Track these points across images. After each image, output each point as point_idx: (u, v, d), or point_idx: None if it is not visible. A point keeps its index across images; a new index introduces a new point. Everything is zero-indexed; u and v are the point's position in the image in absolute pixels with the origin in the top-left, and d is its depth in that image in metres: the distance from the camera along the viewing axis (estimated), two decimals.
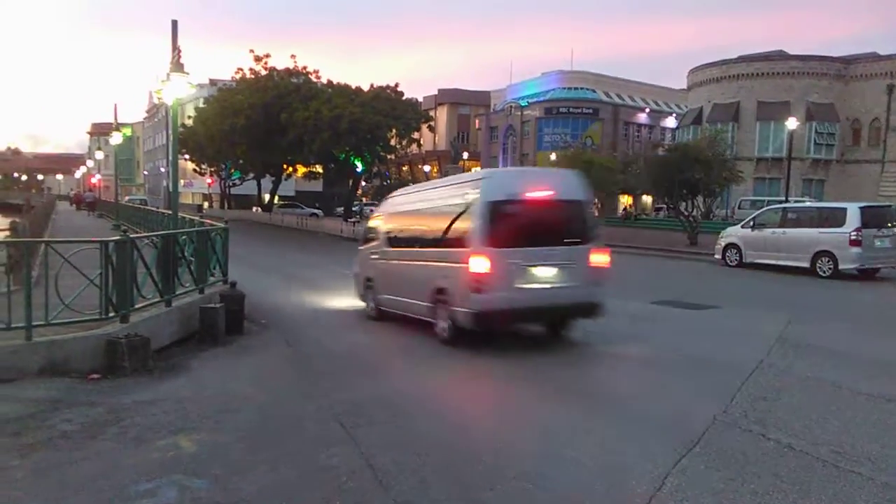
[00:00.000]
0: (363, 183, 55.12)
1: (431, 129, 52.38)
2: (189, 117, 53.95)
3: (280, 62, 46.88)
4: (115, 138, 34.25)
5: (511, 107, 70.70)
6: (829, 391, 6.71)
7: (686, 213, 28.84)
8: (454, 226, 9.10)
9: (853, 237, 16.34)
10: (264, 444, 5.34)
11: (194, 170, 61.12)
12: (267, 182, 55.46)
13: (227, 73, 52.01)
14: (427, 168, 72.94)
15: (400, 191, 12.88)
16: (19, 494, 4.29)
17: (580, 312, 9.06)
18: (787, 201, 28.66)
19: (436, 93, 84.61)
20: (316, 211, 51.48)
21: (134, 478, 4.55)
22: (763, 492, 4.34)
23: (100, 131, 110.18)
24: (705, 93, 54.63)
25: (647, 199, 60.13)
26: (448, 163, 75.91)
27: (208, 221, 14.71)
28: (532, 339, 9.44)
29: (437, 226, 9.66)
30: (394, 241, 11.08)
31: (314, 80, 46.38)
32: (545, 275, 8.65)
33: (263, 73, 46.07)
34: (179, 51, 11.99)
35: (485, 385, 7.52)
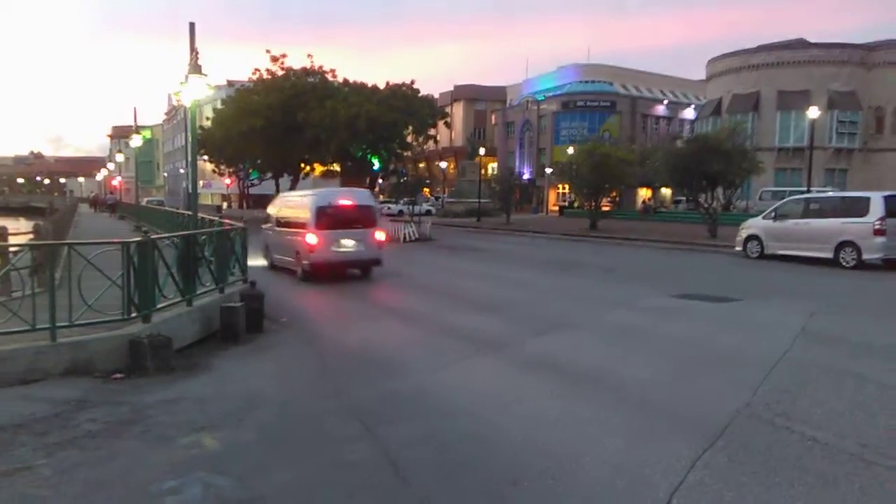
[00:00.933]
0: (380, 181, 55.16)
1: (448, 125, 52.41)
2: (207, 119, 54.38)
3: (296, 62, 47.12)
4: (135, 141, 34.69)
5: (527, 101, 70.46)
6: (854, 383, 6.61)
7: (706, 206, 28.53)
8: (301, 217, 15.83)
9: (877, 227, 16.08)
10: (286, 441, 5.37)
11: (213, 170, 61.68)
12: (285, 181, 55.77)
13: (244, 75, 52.35)
14: (444, 164, 72.91)
15: (282, 194, 23.01)
16: (46, 493, 4.35)
17: (369, 264, 16.21)
18: (809, 191, 28.26)
19: (451, 89, 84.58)
20: None
21: (158, 475, 4.61)
22: (787, 485, 4.29)
23: (120, 134, 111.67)
24: (725, 83, 53.98)
25: (667, 192, 59.56)
26: (465, 159, 75.82)
27: (227, 221, 14.82)
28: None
29: (295, 217, 16.44)
30: (278, 223, 17.69)
31: (330, 78, 46.53)
32: (348, 244, 15.44)
33: (280, 73, 46.29)
34: (197, 53, 12.07)
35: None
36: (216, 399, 6.55)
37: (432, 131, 48.19)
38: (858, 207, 16.91)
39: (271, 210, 18.94)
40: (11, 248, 9.90)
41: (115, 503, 4.21)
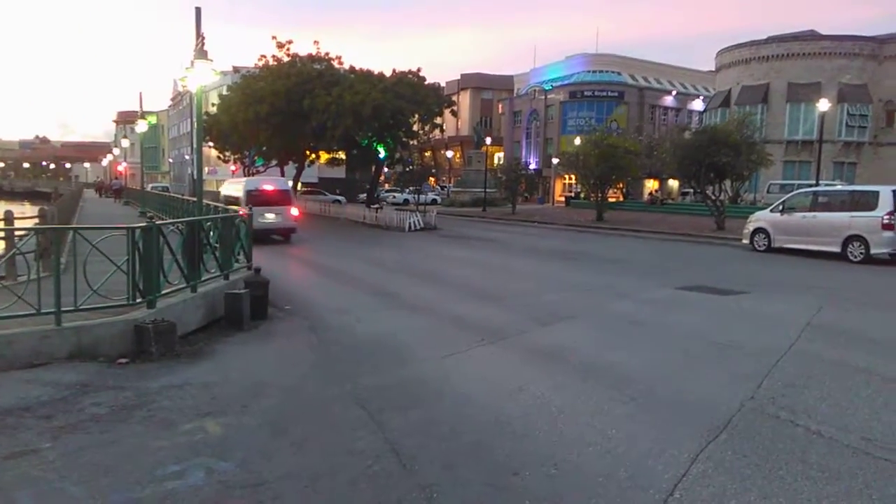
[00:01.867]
0: (385, 169, 55.03)
1: (454, 113, 51.97)
2: (213, 105, 54.27)
3: (303, 48, 46.85)
4: (141, 126, 34.74)
5: (535, 91, 70.02)
6: (859, 378, 6.58)
7: (713, 198, 28.41)
8: (237, 198, 22.00)
9: (886, 221, 16.00)
10: (289, 427, 5.39)
11: (218, 157, 61.57)
12: (290, 169, 55.69)
13: (250, 61, 52.14)
14: (450, 153, 72.70)
15: (228, 180, 30.93)
16: (52, 476, 4.38)
17: (287, 232, 22.61)
18: (817, 185, 28.09)
19: (458, 77, 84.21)
20: (339, 197, 51.60)
21: (162, 460, 4.62)
22: (791, 478, 4.28)
23: (125, 119, 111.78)
24: (734, 74, 53.52)
25: (674, 184, 59.33)
26: (471, 148, 75.57)
27: (232, 208, 14.92)
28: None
29: (233, 196, 22.72)
30: (226, 200, 21.90)
31: (336, 65, 46.23)
32: (270, 217, 21.91)
33: (286, 59, 46.08)
34: (203, 38, 12.03)
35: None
36: (220, 385, 6.57)
37: (439, 120, 47.94)
38: (867, 201, 16.82)
39: (222, 190, 26.37)
40: (17, 232, 9.92)
41: (119, 487, 4.23)
